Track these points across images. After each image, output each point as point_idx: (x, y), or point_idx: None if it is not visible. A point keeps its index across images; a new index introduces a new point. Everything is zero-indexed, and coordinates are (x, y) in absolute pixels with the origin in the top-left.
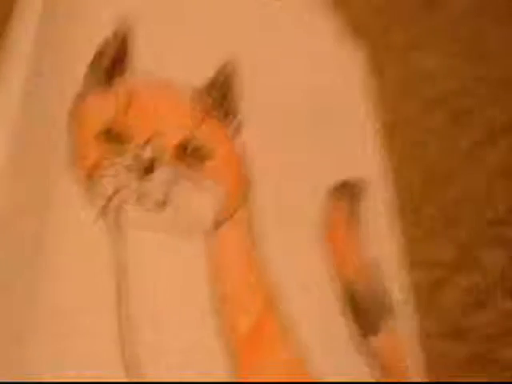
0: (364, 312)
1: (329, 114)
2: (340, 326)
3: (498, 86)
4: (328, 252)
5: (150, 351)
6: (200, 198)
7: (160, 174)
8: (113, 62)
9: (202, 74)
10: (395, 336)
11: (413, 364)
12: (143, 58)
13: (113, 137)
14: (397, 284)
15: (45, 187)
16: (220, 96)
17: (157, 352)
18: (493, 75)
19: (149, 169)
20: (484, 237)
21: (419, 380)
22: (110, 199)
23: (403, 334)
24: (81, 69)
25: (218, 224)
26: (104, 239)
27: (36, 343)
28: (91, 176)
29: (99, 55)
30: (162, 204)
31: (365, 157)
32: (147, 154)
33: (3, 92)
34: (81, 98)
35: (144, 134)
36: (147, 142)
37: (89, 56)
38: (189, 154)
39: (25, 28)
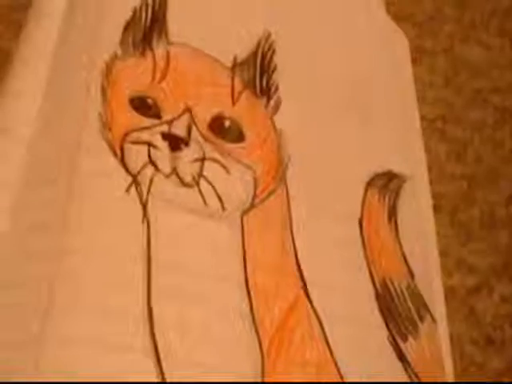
0: (401, 312)
1: (370, 101)
2: (377, 324)
3: None
4: (365, 245)
5: (178, 334)
6: (234, 179)
7: (193, 150)
8: (150, 26)
9: (239, 48)
10: (432, 341)
11: (447, 371)
12: (181, 26)
13: (147, 105)
14: (432, 287)
15: (77, 151)
16: (259, 72)
17: (186, 335)
18: None
19: (182, 142)
20: None
21: None
22: (143, 168)
23: (438, 338)
24: (117, 31)
25: (251, 207)
26: (135, 210)
27: (57, 319)
28: (124, 141)
29: (137, 18)
30: (194, 181)
31: (406, 150)
32: (181, 126)
33: (36, 54)
34: (117, 60)
35: (179, 105)
36: (182, 113)
37: (125, 18)
38: (224, 130)
39: None
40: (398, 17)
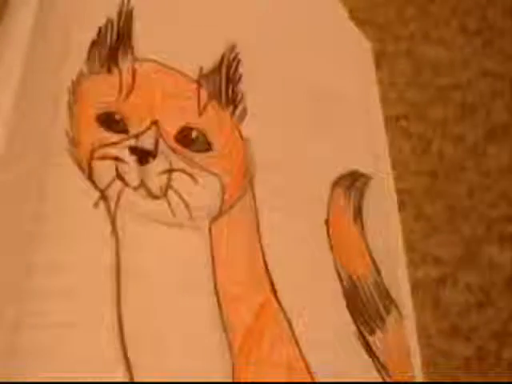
0: (368, 307)
1: (334, 105)
2: (345, 321)
3: (502, 80)
4: (332, 245)
5: (149, 341)
6: (201, 188)
7: (161, 163)
8: (116, 43)
9: (205, 59)
10: (399, 333)
11: (415, 362)
12: (146, 41)
13: (115, 120)
14: (399, 280)
15: (43, 168)
16: (224, 82)
17: (156, 342)
18: (498, 70)
19: (150, 155)
20: (491, 233)
21: (422, 380)
22: (111, 183)
23: (405, 331)
24: (83, 49)
25: (219, 214)
26: (104, 224)
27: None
28: (92, 158)
29: (102, 36)
30: (162, 193)
31: (370, 150)
32: (148, 139)
33: (3, 68)
34: (83, 77)
35: (146, 119)
36: (148, 127)
37: (91, 35)
38: (191, 141)
39: (26, 4)
40: (360, 21)
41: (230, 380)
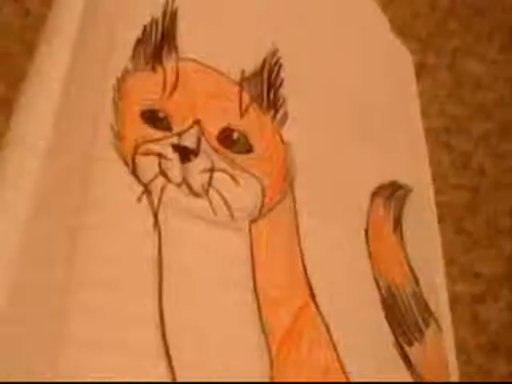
0: (406, 318)
1: (375, 114)
2: (383, 330)
3: None
4: (370, 253)
5: (190, 338)
6: (242, 189)
7: (202, 161)
8: (160, 42)
9: (247, 62)
10: (438, 347)
11: (452, 376)
12: (190, 42)
13: (158, 118)
14: (438, 292)
15: (88, 161)
16: (266, 86)
17: (197, 339)
18: None
19: (192, 153)
20: None
21: None
22: (154, 178)
23: (444, 345)
24: (128, 47)
25: (259, 216)
26: (147, 218)
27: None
28: (136, 153)
29: (147, 34)
30: (204, 191)
31: (411, 162)
32: (191, 138)
33: (49, 67)
34: (128, 74)
35: (188, 117)
36: (191, 126)
37: (136, 33)
38: (232, 142)
39: (73, 2)
40: (403, 33)
41: (268, 379)
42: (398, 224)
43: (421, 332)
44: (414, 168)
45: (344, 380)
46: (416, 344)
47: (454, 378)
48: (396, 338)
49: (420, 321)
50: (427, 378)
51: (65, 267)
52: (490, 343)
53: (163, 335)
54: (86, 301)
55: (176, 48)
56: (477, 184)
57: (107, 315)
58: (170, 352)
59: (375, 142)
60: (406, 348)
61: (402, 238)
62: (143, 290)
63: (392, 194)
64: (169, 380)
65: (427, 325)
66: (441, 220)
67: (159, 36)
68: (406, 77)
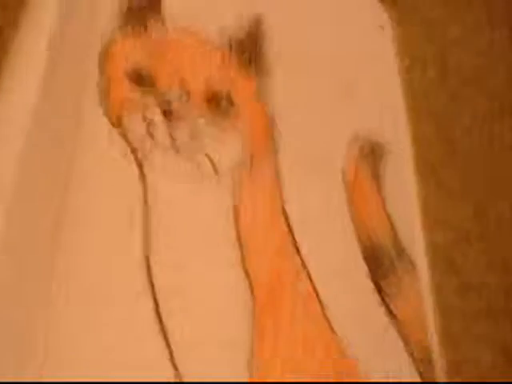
0: (382, 257)
1: (356, 78)
2: (360, 273)
3: None
4: (349, 203)
5: (174, 290)
6: (226, 147)
7: (187, 121)
8: (147, 8)
9: (234, 28)
10: (411, 282)
11: (428, 316)
12: (175, 9)
13: (143, 78)
14: (414, 241)
15: (76, 121)
16: (250, 51)
17: (184, 287)
18: None
19: (177, 113)
20: (504, 201)
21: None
22: (141, 137)
23: (420, 285)
24: (114, 10)
25: (243, 172)
26: (133, 177)
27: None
28: (122, 112)
29: (134, 1)
30: (189, 149)
31: (389, 119)
32: (176, 98)
33: (35, 33)
34: (114, 39)
35: (174, 79)
36: (177, 87)
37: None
38: (218, 103)
39: None
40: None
41: (250, 318)
42: (377, 178)
43: (397, 274)
44: (393, 125)
45: (319, 307)
46: (391, 277)
47: (430, 313)
48: (374, 280)
49: (397, 264)
50: (401, 309)
51: (56, 215)
52: (463, 285)
53: (149, 276)
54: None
55: (162, 14)
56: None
57: (95, 253)
58: (156, 292)
59: (356, 103)
60: (384, 288)
61: (380, 190)
62: (131, 243)
63: (371, 150)
64: (156, 324)
65: (403, 267)
66: (418, 173)
67: (145, 2)
68: (385, 43)
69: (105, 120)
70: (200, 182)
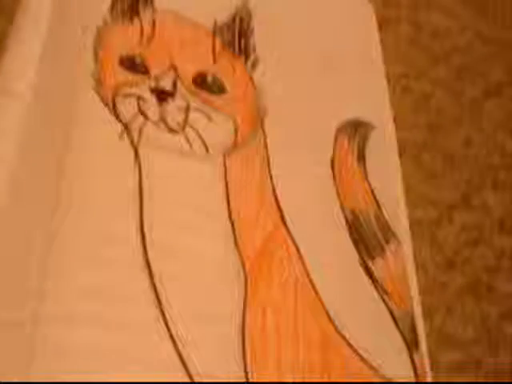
0: (369, 237)
1: (339, 59)
2: (346, 249)
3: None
4: (336, 182)
5: (168, 257)
6: (216, 126)
7: (178, 102)
8: None
9: (219, 13)
10: (398, 260)
11: (412, 286)
12: None
13: (136, 63)
14: (399, 216)
15: (71, 105)
16: (238, 34)
17: (176, 252)
18: (493, 34)
19: (168, 94)
20: (485, 179)
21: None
22: (134, 118)
23: (403, 257)
24: (107, 1)
25: (232, 150)
26: (128, 153)
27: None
28: (115, 96)
29: None
30: (180, 128)
31: (374, 101)
32: (167, 80)
33: (31, 21)
34: (106, 25)
35: (165, 63)
36: (167, 70)
37: None
38: (207, 84)
39: None
40: None
41: (243, 292)
42: (361, 157)
43: (382, 248)
44: (376, 106)
45: (313, 293)
46: (378, 259)
47: (414, 290)
48: (359, 254)
49: (382, 239)
50: (389, 288)
51: (52, 198)
52: (446, 260)
53: (145, 254)
54: (75, 219)
55: (152, 1)
56: (434, 122)
57: (94, 233)
58: (151, 266)
59: (340, 84)
60: (369, 262)
61: (365, 169)
62: (125, 215)
63: (356, 130)
64: (153, 295)
65: (388, 242)
66: (401, 154)
67: None
68: (368, 25)
69: (100, 104)
70: (191, 160)
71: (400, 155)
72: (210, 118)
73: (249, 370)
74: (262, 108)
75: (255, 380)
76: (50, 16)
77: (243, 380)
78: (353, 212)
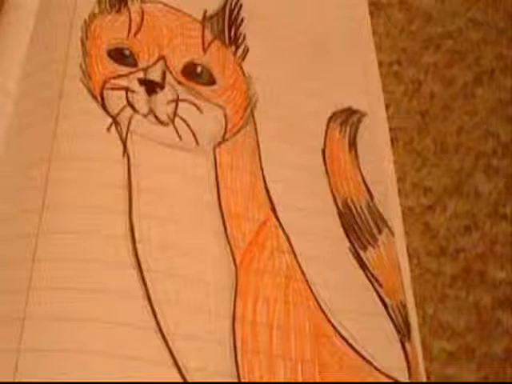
0: (361, 226)
1: (331, 47)
2: (338, 239)
3: (490, 29)
4: (327, 171)
5: (157, 250)
6: (206, 117)
7: (168, 93)
8: None
9: (210, 3)
10: (390, 250)
11: (404, 276)
12: None
13: (124, 55)
14: (391, 205)
15: (59, 98)
16: (227, 23)
17: (165, 247)
18: (487, 19)
19: (157, 86)
20: (478, 166)
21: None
22: (122, 110)
23: (395, 247)
24: None
25: (223, 142)
26: (116, 146)
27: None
28: (104, 88)
29: None
30: (170, 120)
31: (365, 88)
32: (156, 72)
33: (18, 15)
34: (94, 17)
35: (154, 54)
36: (156, 61)
37: None
38: (196, 75)
39: None
40: None
41: (233, 284)
42: (353, 146)
43: (374, 238)
44: (368, 94)
45: (304, 284)
46: (370, 248)
47: (406, 279)
48: (351, 244)
49: (374, 228)
50: (381, 279)
51: (39, 193)
52: (438, 248)
53: (133, 246)
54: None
55: None
56: (426, 108)
57: (80, 229)
58: (141, 263)
59: (331, 72)
60: (361, 252)
61: (356, 157)
62: (114, 210)
63: (347, 118)
64: (142, 291)
65: (380, 231)
66: (393, 141)
67: None
68: (360, 11)
69: (88, 97)
70: (181, 152)
71: (392, 143)
72: (199, 110)
73: (239, 360)
74: (252, 98)
75: (246, 371)
76: (37, 9)
77: (234, 371)
78: (345, 201)
